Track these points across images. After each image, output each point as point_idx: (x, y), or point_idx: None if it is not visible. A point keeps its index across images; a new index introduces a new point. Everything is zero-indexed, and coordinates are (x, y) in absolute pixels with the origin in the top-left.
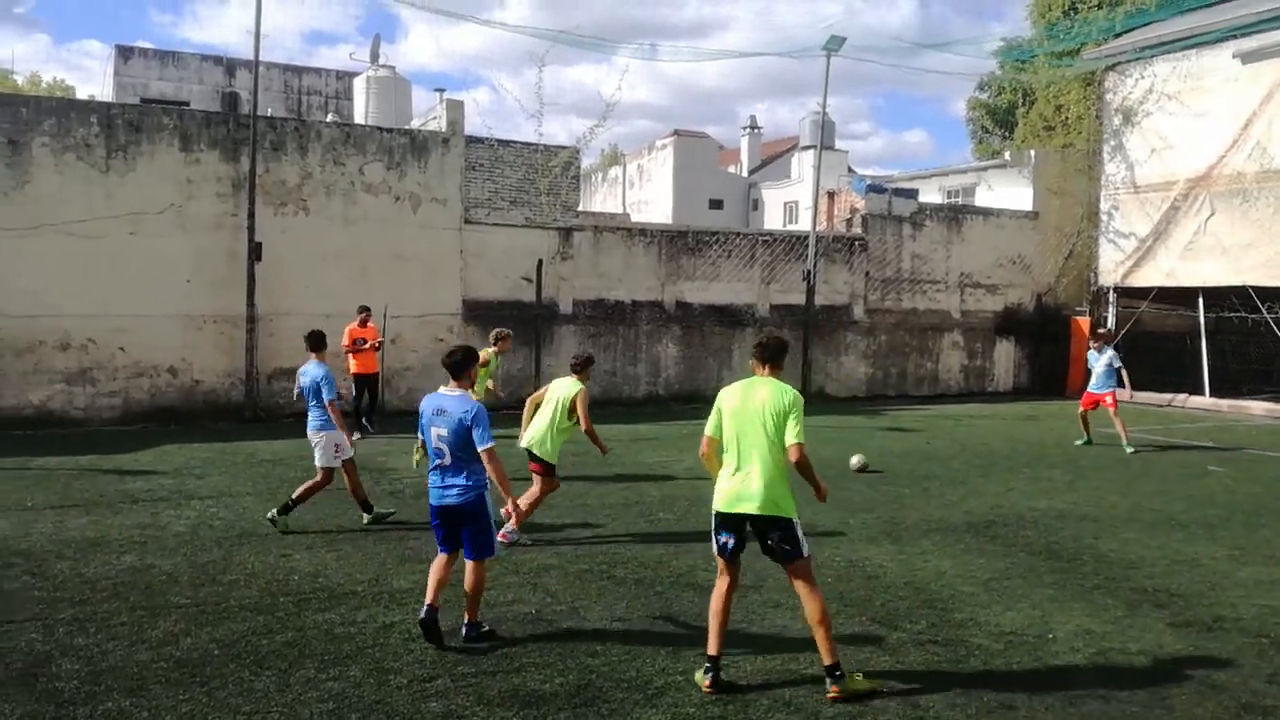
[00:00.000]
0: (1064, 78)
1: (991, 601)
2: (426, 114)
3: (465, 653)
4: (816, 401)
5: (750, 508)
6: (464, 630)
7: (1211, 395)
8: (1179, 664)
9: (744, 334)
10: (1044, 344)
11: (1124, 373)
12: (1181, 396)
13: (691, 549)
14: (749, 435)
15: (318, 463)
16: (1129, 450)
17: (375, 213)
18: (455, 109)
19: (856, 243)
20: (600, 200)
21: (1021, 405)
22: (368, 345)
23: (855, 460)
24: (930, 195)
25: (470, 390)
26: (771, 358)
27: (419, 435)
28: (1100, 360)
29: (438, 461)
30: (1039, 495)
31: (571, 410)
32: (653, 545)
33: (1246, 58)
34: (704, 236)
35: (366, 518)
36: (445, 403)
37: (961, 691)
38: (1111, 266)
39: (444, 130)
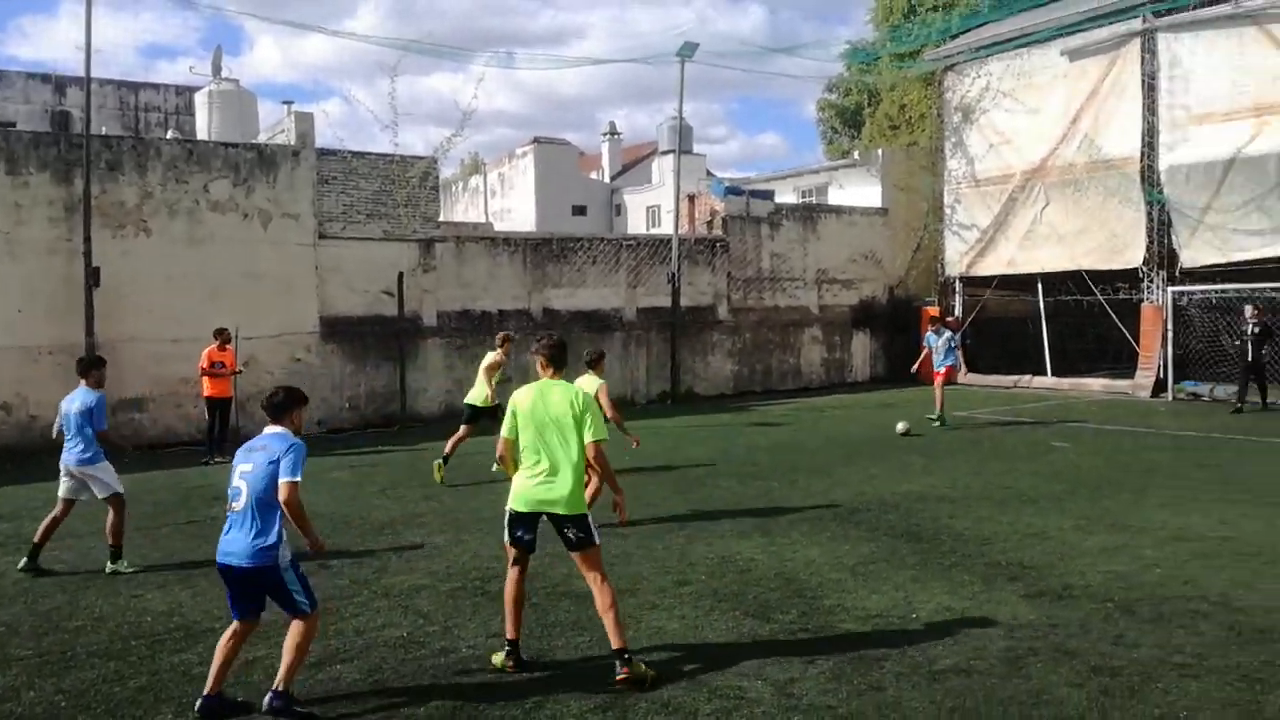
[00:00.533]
0: (906, 78)
1: (858, 586)
2: (274, 127)
3: (333, 681)
4: (686, 401)
5: (555, 509)
6: (267, 698)
7: (1053, 375)
8: (1033, 633)
9: (612, 338)
10: (897, 334)
11: (959, 352)
12: (1026, 377)
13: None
14: (548, 437)
15: (101, 495)
16: (933, 420)
17: (223, 231)
18: (305, 121)
19: (718, 244)
20: (462, 210)
21: (879, 394)
22: (226, 370)
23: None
24: (786, 196)
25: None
26: (556, 360)
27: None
28: (940, 340)
29: (231, 505)
30: (899, 480)
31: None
32: None
33: (1073, 55)
34: (569, 243)
35: (111, 566)
36: (263, 440)
37: (832, 677)
38: (957, 257)
39: (293, 143)
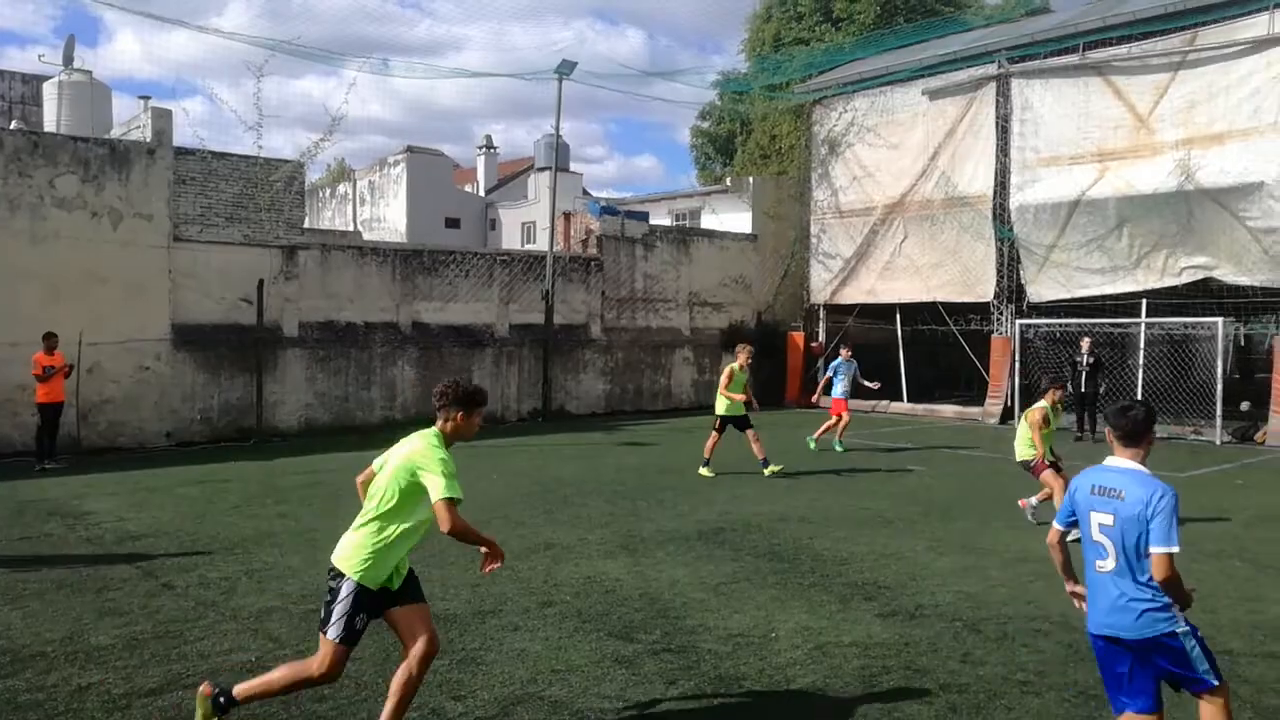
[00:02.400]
0: (776, 110)
1: (721, 606)
2: (129, 123)
3: (174, 708)
4: (557, 419)
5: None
6: None
7: (909, 400)
8: (887, 651)
9: (484, 354)
10: (765, 358)
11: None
12: (884, 403)
13: (428, 578)
14: (375, 483)
15: None
16: (812, 446)
17: (68, 230)
18: (162, 118)
19: (593, 263)
20: (329, 218)
21: None
22: (57, 370)
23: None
24: (660, 218)
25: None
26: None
27: None
28: (851, 370)
29: (1097, 563)
30: (763, 501)
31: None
32: None
33: (933, 95)
34: (441, 256)
35: None
36: (1114, 479)
37: (693, 697)
38: (821, 285)
39: (149, 140)
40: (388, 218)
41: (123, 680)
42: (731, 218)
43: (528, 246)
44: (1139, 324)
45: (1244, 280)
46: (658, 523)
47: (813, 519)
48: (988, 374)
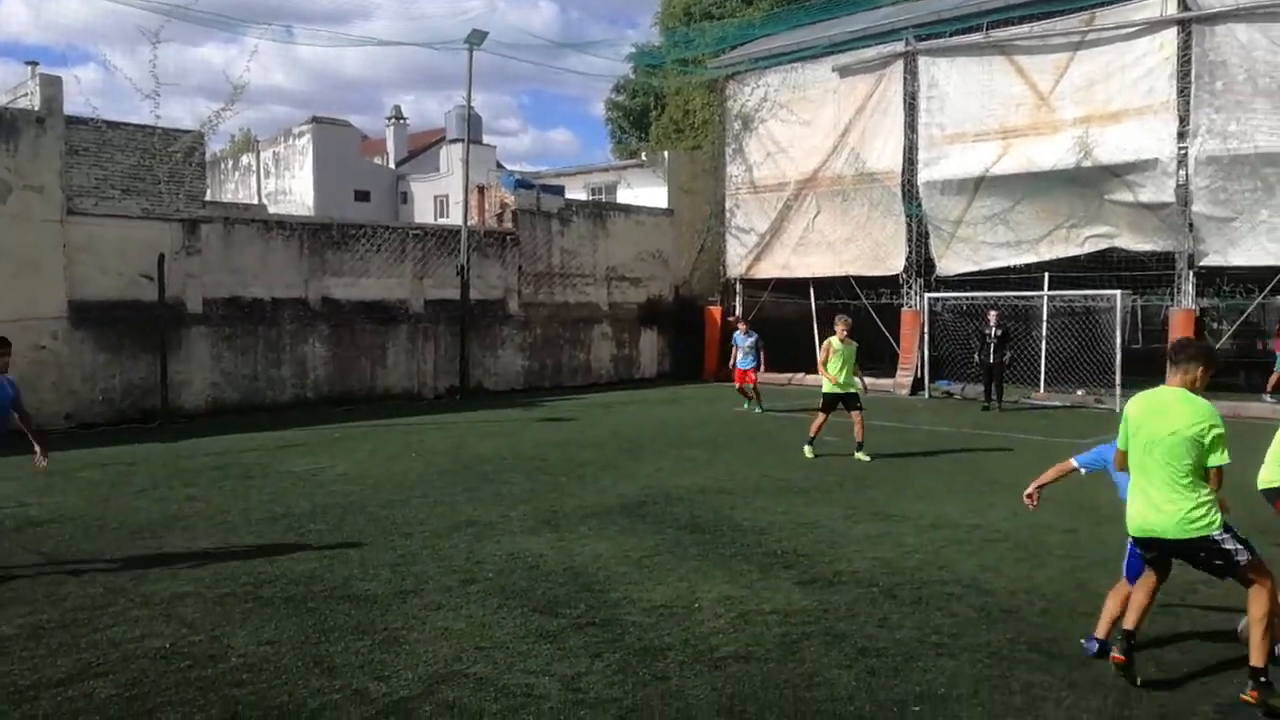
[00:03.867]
0: (690, 84)
1: (644, 578)
2: (15, 90)
3: (87, 699)
4: (475, 396)
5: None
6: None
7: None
8: (806, 618)
9: (398, 331)
10: (682, 333)
11: (764, 352)
12: (799, 375)
13: (347, 558)
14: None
15: None
16: (757, 410)
17: None
18: (52, 85)
19: (508, 237)
20: (232, 190)
21: (665, 390)
22: None
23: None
24: (576, 192)
25: None
26: None
27: None
28: (748, 341)
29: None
30: (684, 473)
31: None
32: (304, 559)
33: (843, 72)
34: (350, 230)
35: None
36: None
37: (618, 669)
38: (737, 260)
39: (38, 108)
40: (294, 190)
41: (29, 671)
42: (647, 192)
43: (441, 220)
44: (1042, 296)
45: (1145, 247)
46: (579, 498)
47: (732, 490)
48: (898, 346)
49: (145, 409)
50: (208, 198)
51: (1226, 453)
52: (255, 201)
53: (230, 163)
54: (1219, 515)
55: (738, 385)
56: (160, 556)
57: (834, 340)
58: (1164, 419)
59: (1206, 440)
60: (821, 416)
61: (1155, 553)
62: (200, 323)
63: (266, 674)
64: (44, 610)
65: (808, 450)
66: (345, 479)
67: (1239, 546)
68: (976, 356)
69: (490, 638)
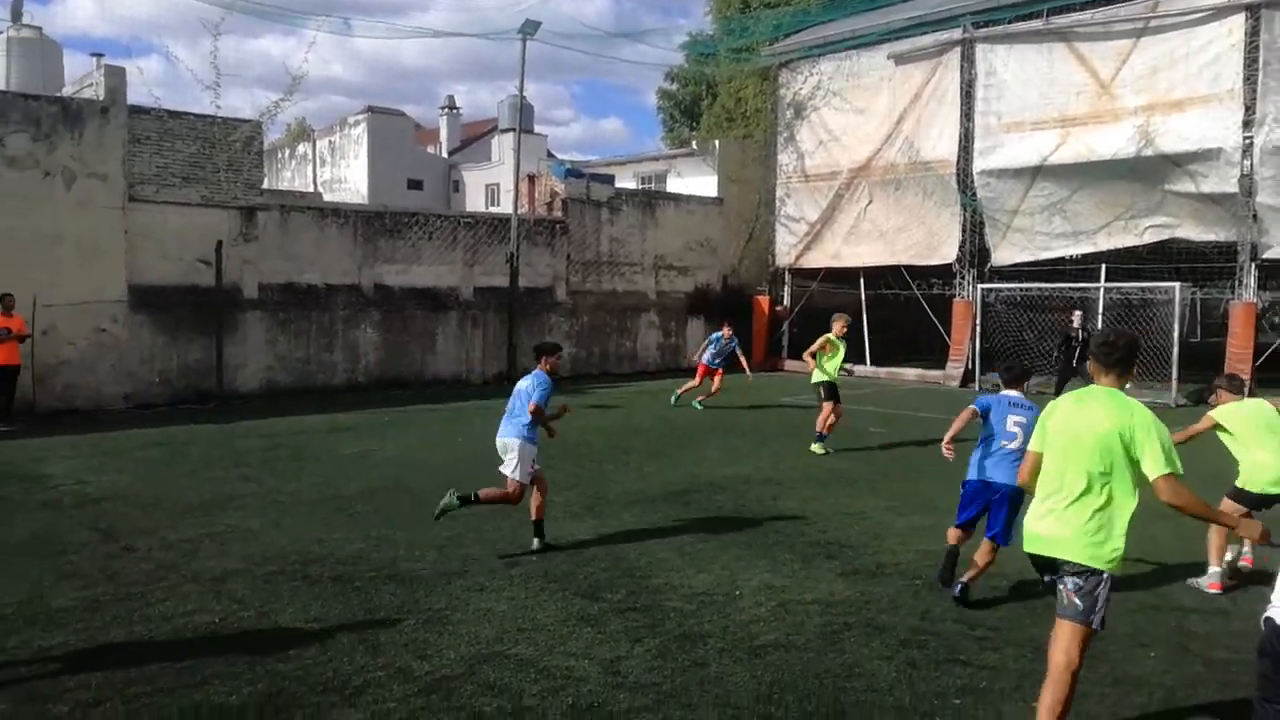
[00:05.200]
0: (743, 73)
1: (685, 565)
2: (81, 81)
3: (140, 668)
4: None
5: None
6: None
7: (871, 364)
8: (848, 609)
9: (448, 317)
10: (730, 322)
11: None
12: (847, 365)
13: (393, 540)
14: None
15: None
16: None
17: (19, 189)
18: (115, 75)
19: (558, 226)
20: (289, 178)
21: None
22: (12, 336)
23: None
24: (625, 181)
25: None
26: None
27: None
28: (727, 345)
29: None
30: (729, 462)
31: None
32: (351, 540)
33: (899, 60)
34: (403, 218)
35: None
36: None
37: (658, 654)
38: (786, 249)
39: (102, 99)
40: (349, 179)
41: (84, 642)
42: (697, 181)
43: (492, 209)
44: (1098, 288)
45: (1206, 238)
46: (624, 484)
47: (777, 479)
48: (949, 337)
49: (201, 390)
50: (265, 186)
51: (1173, 461)
52: (311, 189)
53: (287, 151)
54: (1121, 555)
55: (700, 379)
56: (212, 534)
57: (833, 336)
58: (1090, 421)
59: (1142, 446)
60: (829, 406)
61: (1051, 574)
62: (256, 307)
63: (313, 650)
64: (99, 584)
65: (817, 448)
66: (393, 462)
67: (1105, 606)
68: (1056, 352)
69: (532, 620)
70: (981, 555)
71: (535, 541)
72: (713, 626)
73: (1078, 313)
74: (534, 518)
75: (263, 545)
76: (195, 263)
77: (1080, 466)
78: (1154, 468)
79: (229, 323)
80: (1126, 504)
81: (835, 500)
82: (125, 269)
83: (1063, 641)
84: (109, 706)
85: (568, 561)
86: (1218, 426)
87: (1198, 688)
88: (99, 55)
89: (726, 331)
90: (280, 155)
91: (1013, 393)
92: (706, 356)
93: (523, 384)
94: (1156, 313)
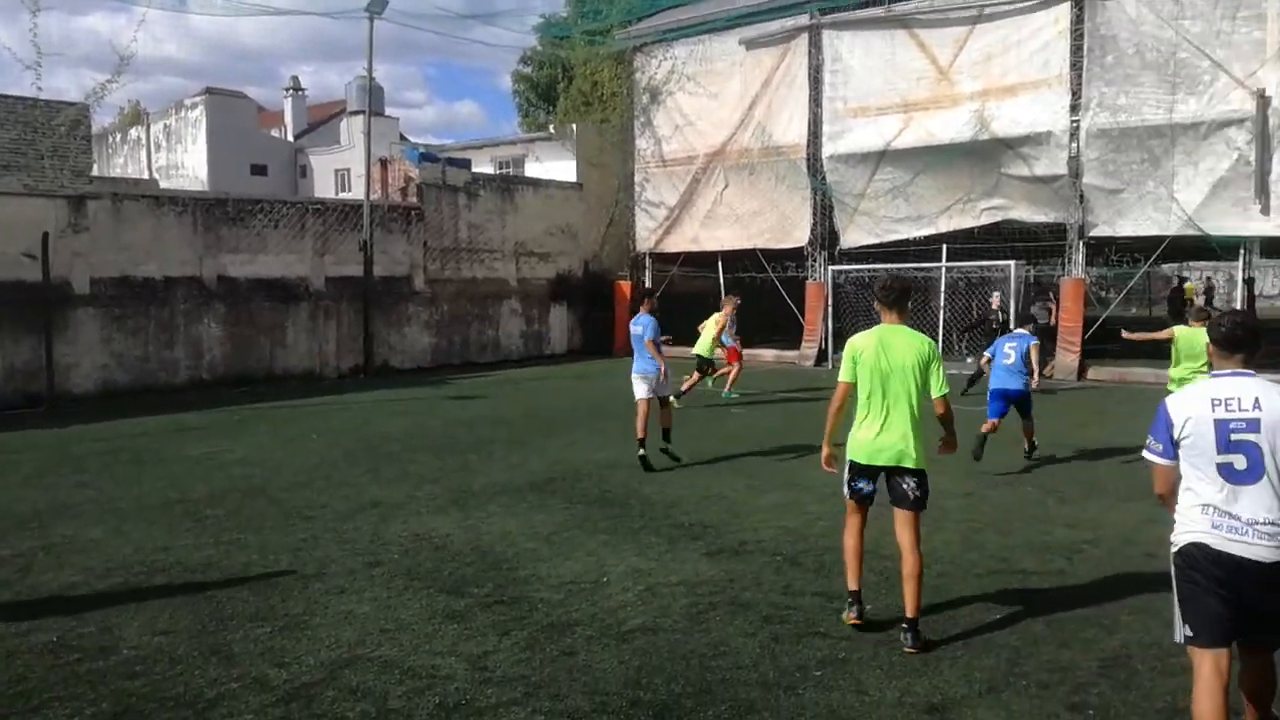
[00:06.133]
0: (598, 56)
1: (553, 555)
2: None
3: None
4: (380, 375)
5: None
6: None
7: None
8: (713, 588)
9: (299, 309)
10: (593, 307)
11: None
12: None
13: (245, 544)
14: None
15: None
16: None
17: None
18: None
19: (413, 212)
20: (121, 165)
21: (576, 365)
22: None
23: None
24: (482, 166)
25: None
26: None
27: None
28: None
29: None
30: (594, 449)
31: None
32: (200, 546)
33: (749, 45)
34: (246, 205)
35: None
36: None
37: (526, 646)
38: (646, 234)
39: None
40: (187, 164)
41: None
42: (556, 166)
43: (342, 195)
44: (940, 268)
45: (1039, 219)
46: (489, 475)
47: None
48: (804, 318)
49: (30, 394)
50: (95, 173)
51: (947, 384)
52: (146, 176)
53: (119, 136)
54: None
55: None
56: (47, 546)
57: (723, 316)
58: (893, 353)
59: (931, 369)
60: (698, 376)
61: (872, 481)
62: (88, 303)
63: (161, 665)
64: None
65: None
66: (244, 463)
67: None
68: (968, 335)
69: (395, 619)
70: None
71: (668, 445)
72: (581, 614)
73: (996, 294)
74: (642, 435)
75: (104, 556)
76: (19, 257)
77: (899, 391)
78: (937, 388)
79: (59, 320)
80: (919, 417)
81: (698, 482)
82: None
83: (911, 526)
84: None
85: (431, 558)
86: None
87: (1040, 646)
88: None
89: (728, 309)
90: (111, 140)
91: (1019, 330)
92: (726, 339)
93: (635, 329)
94: (995, 290)
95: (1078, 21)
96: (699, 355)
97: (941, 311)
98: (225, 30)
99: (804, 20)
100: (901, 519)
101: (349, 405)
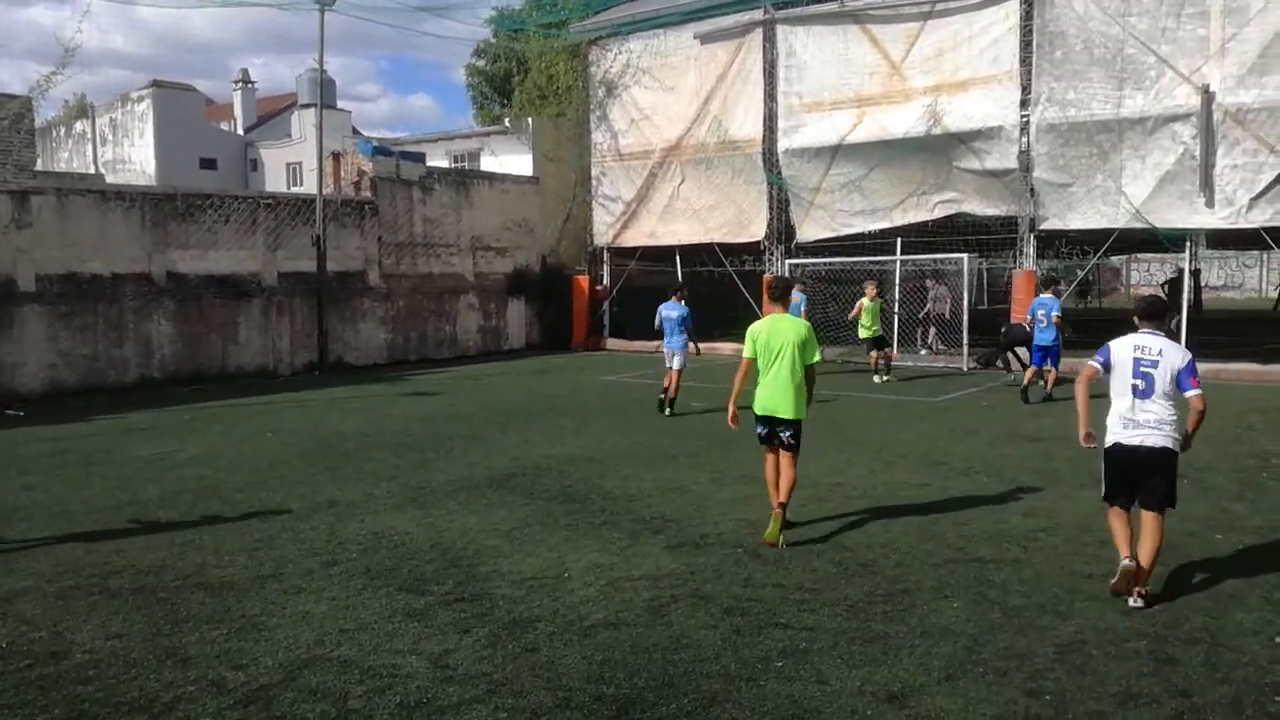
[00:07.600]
0: (553, 49)
1: (513, 551)
2: None
3: None
4: (335, 372)
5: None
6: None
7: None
8: (674, 581)
9: (251, 305)
10: (550, 302)
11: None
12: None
13: (200, 545)
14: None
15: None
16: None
17: None
18: None
19: (367, 206)
20: (66, 159)
21: (534, 360)
22: None
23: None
24: (437, 159)
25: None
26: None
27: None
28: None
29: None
30: (553, 444)
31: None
32: (153, 548)
33: (705, 39)
34: (196, 199)
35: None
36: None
37: (488, 644)
38: (604, 229)
39: None
40: (134, 158)
41: None
42: (512, 160)
43: (294, 189)
44: (895, 261)
45: (990, 212)
46: (447, 472)
47: (601, 458)
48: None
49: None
50: (38, 167)
51: (818, 355)
52: (92, 171)
53: (63, 130)
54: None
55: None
56: None
57: (867, 300)
58: (782, 335)
59: (807, 346)
60: (877, 353)
61: (770, 429)
62: (33, 301)
63: (115, 669)
64: None
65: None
66: (196, 462)
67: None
68: (921, 328)
69: (354, 619)
70: (1050, 378)
71: (668, 409)
72: (543, 610)
73: (930, 281)
74: (673, 396)
75: (53, 559)
76: None
77: (785, 360)
78: (810, 358)
79: (3, 318)
80: (803, 380)
81: (659, 476)
82: None
83: (792, 465)
84: None
85: (390, 556)
86: None
87: (996, 634)
88: None
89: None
90: (56, 134)
91: (1044, 295)
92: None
93: (671, 313)
94: (948, 283)
95: (1027, 18)
96: (869, 339)
97: (896, 304)
98: (173, 22)
99: (758, 15)
100: (783, 458)
101: (304, 403)
